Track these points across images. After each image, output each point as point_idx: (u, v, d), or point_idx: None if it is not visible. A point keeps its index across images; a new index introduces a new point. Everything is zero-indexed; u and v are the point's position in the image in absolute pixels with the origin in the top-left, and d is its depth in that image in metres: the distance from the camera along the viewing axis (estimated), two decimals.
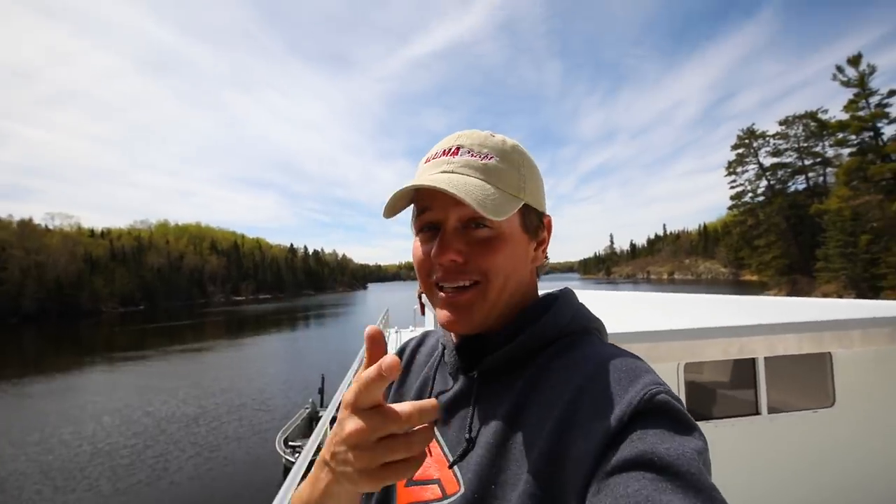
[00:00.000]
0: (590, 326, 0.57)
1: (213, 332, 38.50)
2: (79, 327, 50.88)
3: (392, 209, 0.55)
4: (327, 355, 21.72)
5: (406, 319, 15.67)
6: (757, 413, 2.23)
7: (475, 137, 0.56)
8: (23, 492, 8.12)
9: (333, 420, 3.17)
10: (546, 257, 0.62)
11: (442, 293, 0.54)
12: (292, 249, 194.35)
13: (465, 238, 0.53)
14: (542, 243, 0.60)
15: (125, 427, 11.67)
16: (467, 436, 0.52)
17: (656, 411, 0.40)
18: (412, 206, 0.59)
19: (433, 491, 0.52)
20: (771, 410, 2.25)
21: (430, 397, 0.59)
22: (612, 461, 0.38)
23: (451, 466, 0.52)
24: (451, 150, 0.55)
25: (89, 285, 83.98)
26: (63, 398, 15.47)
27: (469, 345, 0.57)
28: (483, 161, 0.53)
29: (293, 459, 6.40)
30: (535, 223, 0.58)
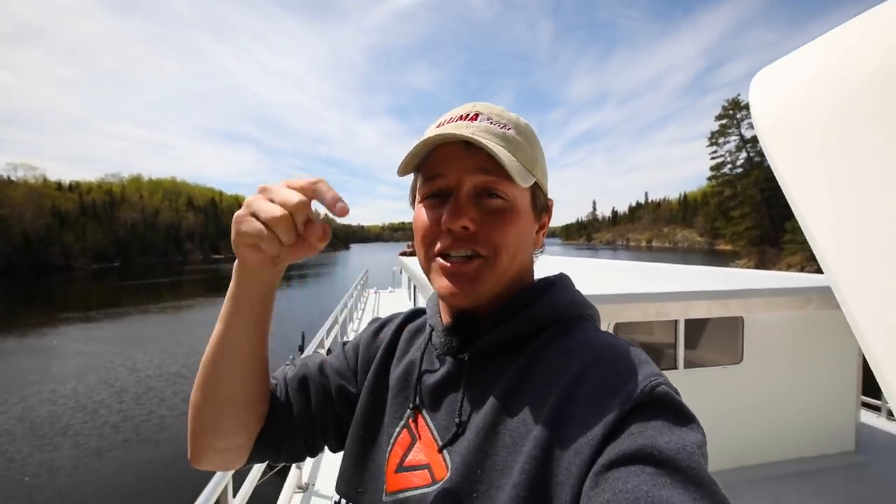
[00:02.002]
0: (585, 313, 0.56)
1: (192, 290, 38.20)
2: (51, 284, 49.65)
3: (406, 167, 0.53)
4: (308, 314, 21.96)
5: (386, 281, 16.08)
6: (675, 368, 2.59)
7: (492, 108, 0.54)
8: (6, 451, 8.23)
9: None
10: (543, 243, 0.61)
11: (445, 261, 0.51)
12: None
13: (479, 207, 0.51)
14: (543, 227, 0.59)
15: (109, 385, 11.74)
16: (457, 420, 0.50)
17: (657, 404, 0.40)
18: (412, 175, 0.57)
19: (423, 476, 0.50)
20: (688, 365, 2.61)
21: (416, 380, 0.58)
22: (611, 454, 0.37)
23: (440, 450, 0.50)
24: (468, 115, 0.53)
25: (59, 240, 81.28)
26: (43, 356, 15.35)
27: (461, 326, 0.55)
28: (503, 130, 0.52)
29: None
30: (542, 205, 0.57)
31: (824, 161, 0.48)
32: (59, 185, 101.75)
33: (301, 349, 11.88)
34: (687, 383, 2.60)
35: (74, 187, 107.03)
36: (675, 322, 2.57)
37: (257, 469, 2.20)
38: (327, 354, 0.71)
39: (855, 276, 0.45)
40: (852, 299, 0.45)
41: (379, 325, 0.72)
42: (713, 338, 2.74)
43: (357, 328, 8.30)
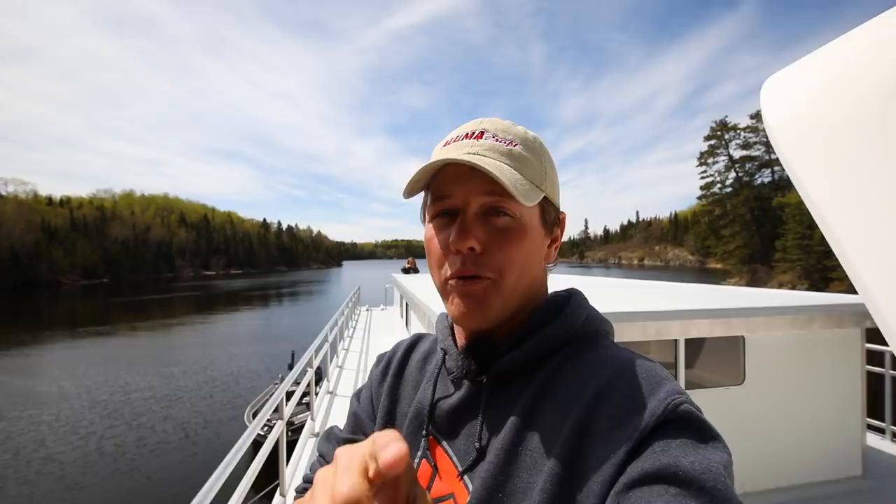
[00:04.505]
0: (601, 328, 0.55)
1: (183, 307, 37.60)
2: (38, 300, 48.68)
3: (411, 190, 0.52)
4: (299, 332, 21.67)
5: (378, 298, 15.91)
6: None
7: (499, 124, 0.53)
8: None
9: (290, 394, 3.28)
10: (557, 256, 0.59)
11: (454, 282, 0.51)
12: (265, 224, 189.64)
13: (485, 226, 0.50)
14: (556, 240, 0.58)
15: (96, 408, 11.30)
16: (477, 445, 0.49)
17: (680, 422, 0.39)
18: (422, 192, 0.56)
19: None
20: (688, 386, 2.53)
21: (430, 406, 0.57)
22: (633, 473, 0.36)
23: (460, 476, 0.49)
24: (474, 133, 0.52)
25: (48, 256, 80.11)
26: (28, 376, 14.86)
27: (477, 348, 0.54)
28: (508, 147, 0.51)
29: (262, 432, 6.55)
30: (553, 219, 0.56)
31: (847, 164, 0.45)
32: (49, 200, 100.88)
33: (290, 367, 11.68)
34: None
35: (65, 202, 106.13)
36: (675, 341, 2.50)
37: (243, 487, 2.07)
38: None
39: (892, 288, 0.41)
40: (890, 314, 0.41)
41: (385, 362, 0.70)
42: (714, 358, 2.67)
43: (348, 347, 8.10)
